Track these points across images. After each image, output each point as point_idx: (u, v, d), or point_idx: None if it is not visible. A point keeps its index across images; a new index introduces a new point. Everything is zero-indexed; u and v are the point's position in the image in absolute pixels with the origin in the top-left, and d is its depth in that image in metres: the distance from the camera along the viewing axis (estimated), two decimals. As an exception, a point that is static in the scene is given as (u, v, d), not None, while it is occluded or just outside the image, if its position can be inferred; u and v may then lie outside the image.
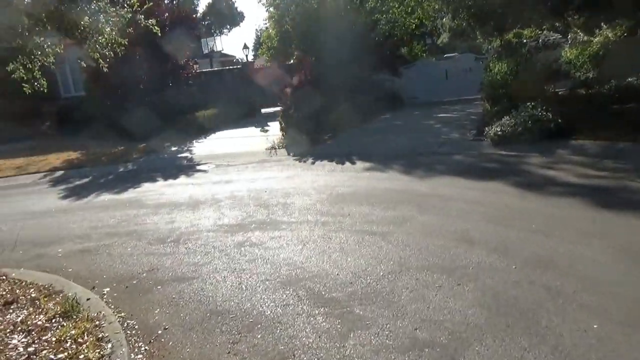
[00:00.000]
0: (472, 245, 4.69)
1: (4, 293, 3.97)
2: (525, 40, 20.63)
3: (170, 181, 9.86)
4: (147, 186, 9.53)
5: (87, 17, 5.79)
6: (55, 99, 21.80)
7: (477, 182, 7.27)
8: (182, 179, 10.00)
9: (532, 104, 10.10)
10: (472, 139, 11.16)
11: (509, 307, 3.48)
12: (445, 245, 4.76)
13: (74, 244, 5.97)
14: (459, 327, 3.30)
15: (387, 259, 4.55)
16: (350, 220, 5.86)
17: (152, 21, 7.13)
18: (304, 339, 3.33)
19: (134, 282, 4.49)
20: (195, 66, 21.35)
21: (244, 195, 7.74)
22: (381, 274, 4.25)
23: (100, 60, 6.65)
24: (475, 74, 18.83)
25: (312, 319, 3.59)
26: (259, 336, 3.41)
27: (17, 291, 4.00)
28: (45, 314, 3.44)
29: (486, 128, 10.66)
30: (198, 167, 11.31)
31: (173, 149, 14.77)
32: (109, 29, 6.05)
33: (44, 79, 6.45)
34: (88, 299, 3.72)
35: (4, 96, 20.97)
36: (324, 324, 3.50)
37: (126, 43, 6.89)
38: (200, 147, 14.48)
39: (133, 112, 17.28)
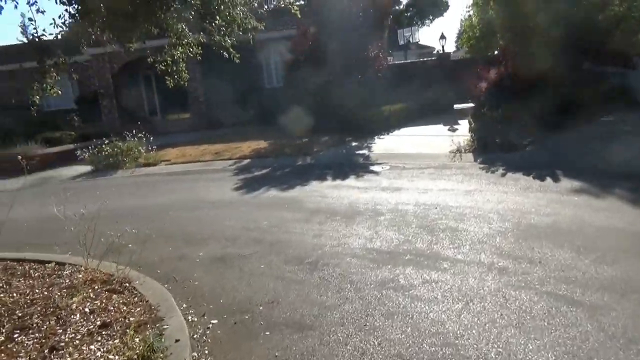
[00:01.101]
0: None
1: (110, 309, 3.60)
2: None
3: (338, 182, 9.18)
4: (313, 185, 9.02)
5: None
6: (260, 89, 23.57)
7: None
8: (351, 180, 9.22)
9: None
10: None
11: None
12: None
13: (217, 248, 5.62)
14: None
15: None
16: (541, 273, 4.17)
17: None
18: None
19: (247, 316, 3.75)
20: (388, 58, 20.59)
21: (408, 210, 6.52)
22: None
23: (231, 50, 6.18)
24: None
25: None
26: None
27: (123, 309, 3.61)
28: (123, 354, 2.88)
29: None
30: (371, 167, 10.43)
31: (353, 144, 14.22)
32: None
33: (186, 71, 6.24)
34: (177, 341, 3.10)
35: (218, 86, 23.52)
36: None
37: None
38: (380, 144, 13.61)
39: (322, 104, 17.38)
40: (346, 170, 10.32)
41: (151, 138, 15.02)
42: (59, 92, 5.57)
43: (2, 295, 4.11)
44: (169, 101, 25.42)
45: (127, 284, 4.16)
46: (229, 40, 5.75)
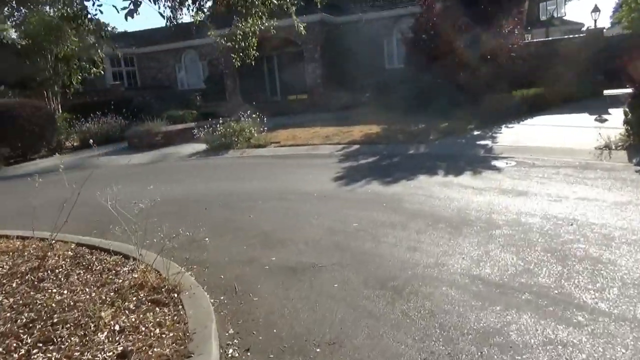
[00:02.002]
0: None
1: (142, 329, 3.05)
2: None
3: (450, 178, 7.92)
4: (420, 180, 7.88)
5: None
6: (379, 70, 22.48)
7: None
8: (465, 177, 7.91)
9: None
10: None
11: None
12: None
13: (293, 253, 4.89)
14: None
15: None
16: None
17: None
18: None
19: (298, 360, 2.96)
20: (525, 35, 18.10)
21: (533, 225, 5.16)
22: None
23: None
24: None
25: None
26: None
27: (154, 332, 3.04)
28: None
29: None
30: (493, 162, 8.94)
31: (475, 133, 12.61)
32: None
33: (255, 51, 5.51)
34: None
35: (337, 66, 22.89)
36: None
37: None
38: (508, 135, 11.83)
39: (444, 87, 15.84)
40: (462, 164, 8.97)
41: (264, 119, 14.93)
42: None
43: (54, 290, 3.84)
44: (290, 82, 25.55)
45: (176, 295, 3.61)
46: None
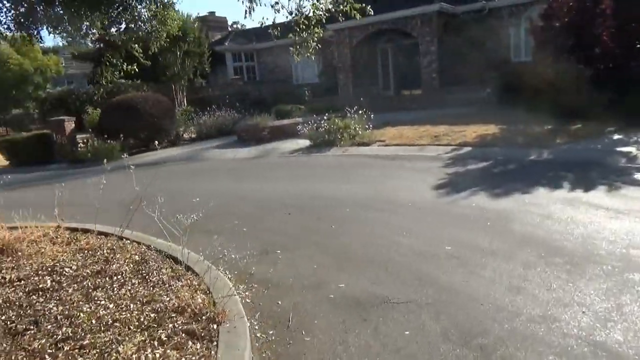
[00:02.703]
0: None
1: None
2: None
3: (577, 193, 6.54)
4: (538, 194, 6.62)
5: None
6: (503, 63, 20.46)
7: None
8: (597, 193, 6.47)
9: None
10: None
11: None
12: None
13: (366, 280, 4.18)
14: None
15: None
16: None
17: None
18: None
19: None
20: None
21: (693, 271, 3.84)
22: None
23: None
24: None
25: None
26: None
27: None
28: None
29: None
30: (636, 175, 7.30)
31: (615, 137, 10.63)
32: None
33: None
34: None
35: (455, 60, 21.35)
36: None
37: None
38: (661, 141, 9.76)
39: (579, 82, 13.71)
40: (594, 175, 7.46)
41: (372, 115, 14.22)
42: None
43: (102, 302, 3.61)
44: (404, 76, 24.50)
45: (215, 326, 3.14)
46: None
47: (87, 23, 6.09)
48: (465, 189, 7.28)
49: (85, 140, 14.97)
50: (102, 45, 33.69)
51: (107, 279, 4.07)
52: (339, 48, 24.51)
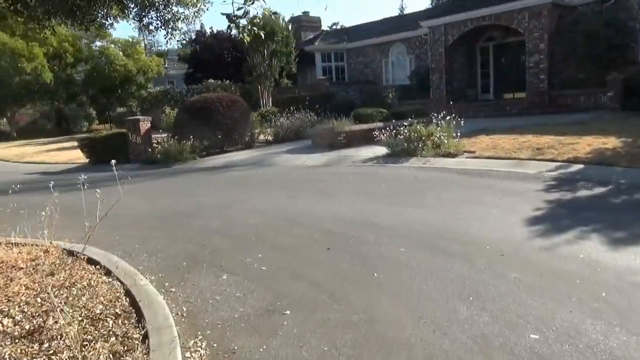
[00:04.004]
0: None
1: None
2: None
3: None
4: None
5: None
6: (629, 63, 17.22)
7: None
8: None
9: None
10: None
11: None
12: None
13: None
14: None
15: None
16: None
17: None
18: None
19: None
20: None
21: None
22: None
23: None
24: None
25: None
26: None
27: None
28: None
29: None
30: None
31: None
32: None
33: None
34: None
35: (567, 58, 18.43)
36: None
37: None
38: None
39: None
40: None
41: (462, 121, 12.31)
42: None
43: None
44: (506, 77, 21.87)
45: None
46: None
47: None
48: (572, 228, 5.37)
49: (159, 141, 14.78)
50: (197, 47, 34.66)
51: (36, 345, 3.00)
52: (433, 47, 22.48)
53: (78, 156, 16.38)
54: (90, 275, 4.33)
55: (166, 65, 41.46)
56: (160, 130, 19.34)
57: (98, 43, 35.79)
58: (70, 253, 5.02)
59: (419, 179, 9.39)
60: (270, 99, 25.44)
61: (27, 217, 5.15)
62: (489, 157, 10.92)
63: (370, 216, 6.48)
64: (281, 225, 6.44)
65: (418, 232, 5.63)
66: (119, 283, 4.13)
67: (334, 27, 45.35)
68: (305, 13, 34.65)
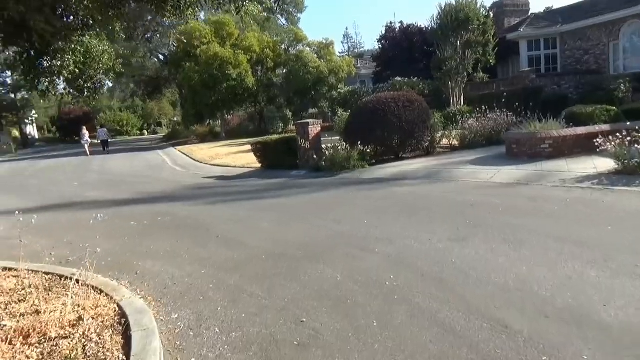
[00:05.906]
0: None
1: None
2: None
3: None
4: None
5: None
6: None
7: None
8: None
9: None
10: None
11: None
12: None
13: None
14: None
15: None
16: None
17: None
18: None
19: None
20: None
21: None
22: None
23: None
24: None
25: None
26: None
27: None
28: None
29: None
30: None
31: None
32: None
33: None
34: None
35: None
36: None
37: None
38: None
39: None
40: None
41: None
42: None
43: None
44: None
45: None
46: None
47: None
48: None
49: (327, 147, 13.56)
50: (386, 43, 33.19)
51: None
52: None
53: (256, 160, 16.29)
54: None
55: (358, 64, 41.22)
56: (336, 134, 18.29)
57: (299, 47, 37.19)
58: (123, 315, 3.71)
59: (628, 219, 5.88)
60: (462, 97, 22.41)
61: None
62: None
63: (589, 300, 3.70)
64: (428, 297, 4.15)
65: (562, 314, 2.75)
66: None
67: (547, 10, 38.89)
68: (511, -4, 30.10)
